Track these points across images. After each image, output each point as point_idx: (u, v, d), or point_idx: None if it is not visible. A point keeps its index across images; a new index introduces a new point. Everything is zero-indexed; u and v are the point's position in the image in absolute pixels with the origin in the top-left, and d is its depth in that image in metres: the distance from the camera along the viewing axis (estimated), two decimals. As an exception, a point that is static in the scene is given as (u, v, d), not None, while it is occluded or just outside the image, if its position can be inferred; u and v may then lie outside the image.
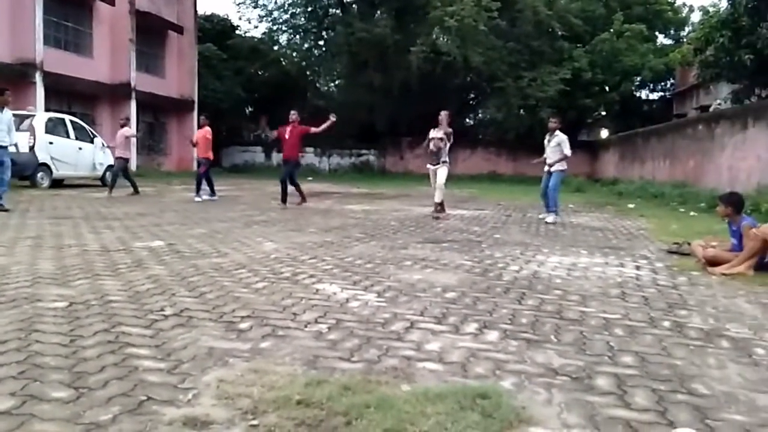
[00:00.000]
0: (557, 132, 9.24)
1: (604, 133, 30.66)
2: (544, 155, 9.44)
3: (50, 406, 2.08)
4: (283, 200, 10.59)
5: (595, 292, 4.14)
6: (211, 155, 12.23)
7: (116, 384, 2.28)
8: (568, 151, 9.13)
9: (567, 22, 26.44)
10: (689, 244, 5.83)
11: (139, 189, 12.87)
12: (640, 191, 15.75)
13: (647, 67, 26.18)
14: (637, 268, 5.19)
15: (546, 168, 9.37)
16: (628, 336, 3.11)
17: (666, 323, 3.38)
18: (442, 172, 9.26)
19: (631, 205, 12.59)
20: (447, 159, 9.33)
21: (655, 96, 32.87)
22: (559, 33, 26.49)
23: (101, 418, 1.99)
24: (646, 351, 2.86)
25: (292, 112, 10.77)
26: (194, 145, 12.32)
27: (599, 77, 26.42)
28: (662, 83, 31.52)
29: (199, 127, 12.51)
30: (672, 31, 31.58)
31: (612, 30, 26.22)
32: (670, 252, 6.01)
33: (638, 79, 28.84)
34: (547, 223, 8.75)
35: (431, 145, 9.25)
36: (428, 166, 9.57)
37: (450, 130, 9.26)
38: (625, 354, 2.81)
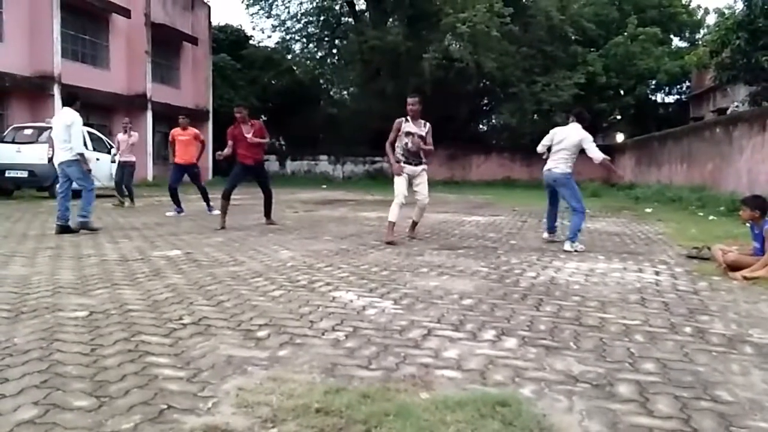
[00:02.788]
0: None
1: (620, 138, 30.40)
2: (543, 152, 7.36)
3: (73, 415, 2.10)
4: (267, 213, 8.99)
5: (614, 298, 4.10)
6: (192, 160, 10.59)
7: (137, 393, 2.30)
8: (596, 152, 6.97)
9: (580, 26, 26.35)
10: (709, 248, 5.76)
11: (156, 200, 13.02)
12: (657, 195, 15.58)
13: (662, 70, 25.96)
14: (657, 273, 5.13)
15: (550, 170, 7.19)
16: (649, 342, 3.07)
17: (687, 329, 3.34)
18: (424, 182, 7.23)
19: (648, 210, 12.46)
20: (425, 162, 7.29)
21: (670, 99, 32.55)
22: (573, 37, 26.37)
23: (123, 427, 2.00)
24: (667, 357, 2.82)
25: (236, 109, 8.67)
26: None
27: (614, 81, 26.25)
28: (678, 86, 31.20)
29: (183, 128, 10.54)
30: (687, 34, 31.29)
31: (626, 33, 26.07)
32: (690, 257, 5.93)
33: (653, 82, 28.59)
34: (569, 251, 6.66)
35: (409, 143, 7.00)
36: (403, 166, 7.08)
37: (429, 126, 7.15)
38: (646, 361, 2.78)
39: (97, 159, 15.15)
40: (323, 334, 3.13)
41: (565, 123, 7.85)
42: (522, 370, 2.62)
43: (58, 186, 7.77)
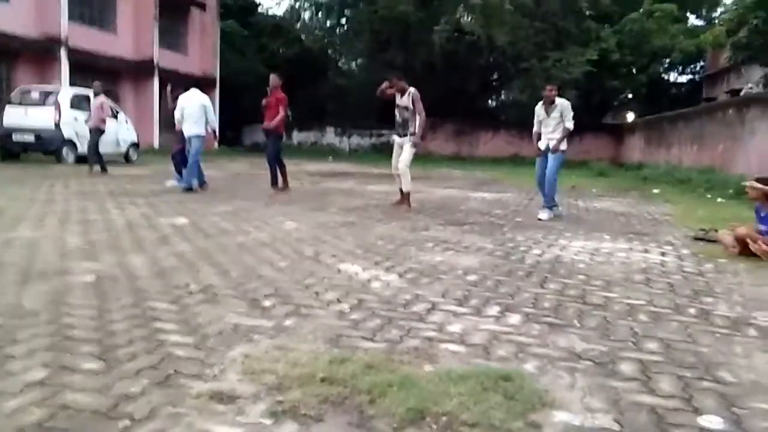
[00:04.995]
0: (557, 100, 7.20)
1: (630, 117, 30.08)
2: (537, 132, 7.46)
3: (81, 377, 2.13)
4: (274, 182, 9.43)
5: (618, 278, 4.10)
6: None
7: (145, 357, 2.33)
8: (570, 124, 7.13)
9: (595, 1, 25.83)
10: (716, 231, 5.73)
11: (163, 168, 12.96)
12: (665, 176, 15.47)
13: (677, 49, 25.51)
14: (662, 254, 5.12)
15: (543, 147, 7.36)
16: (653, 322, 3.08)
17: (692, 310, 3.34)
18: (407, 150, 7.53)
19: (655, 190, 12.39)
20: (416, 133, 7.45)
21: (684, 79, 32.10)
22: (587, 12, 25.89)
23: (131, 390, 2.04)
24: (671, 337, 2.84)
25: (271, 77, 9.21)
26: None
27: (627, 58, 25.82)
28: (692, 65, 30.73)
29: (177, 96, 9.94)
30: (704, 12, 30.68)
31: (642, 10, 25.56)
32: (696, 239, 5.91)
33: (667, 61, 28.14)
34: (539, 219, 7.10)
35: (397, 115, 7.59)
36: (393, 137, 7.87)
37: (417, 95, 7.41)
38: (649, 340, 2.79)
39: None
40: (328, 306, 3.16)
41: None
42: (525, 346, 2.64)
43: (182, 155, 9.27)
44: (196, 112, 8.99)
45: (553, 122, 7.22)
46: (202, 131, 9.07)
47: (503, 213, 7.80)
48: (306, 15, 33.08)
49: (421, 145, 7.78)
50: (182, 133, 10.18)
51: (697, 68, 30.91)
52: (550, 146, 7.25)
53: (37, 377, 2.12)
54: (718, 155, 14.83)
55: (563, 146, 7.27)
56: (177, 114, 9.19)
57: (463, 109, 28.00)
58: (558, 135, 7.20)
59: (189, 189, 8.85)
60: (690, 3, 28.92)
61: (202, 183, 9.33)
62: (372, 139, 30.06)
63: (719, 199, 10.29)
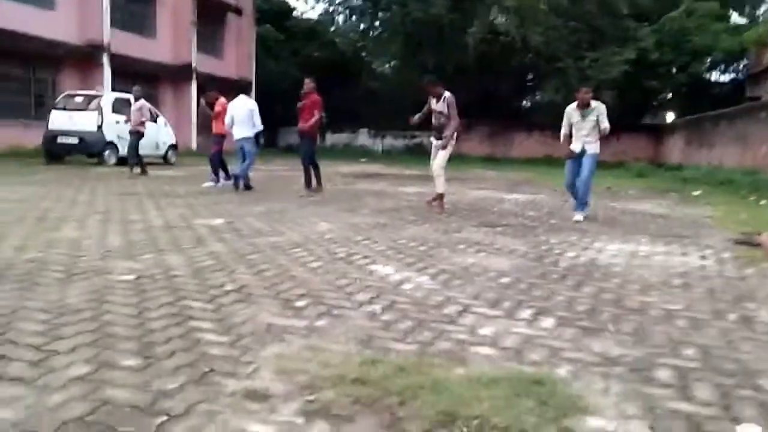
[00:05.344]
0: (592, 103, 7.09)
1: (670, 117, 29.36)
2: (566, 134, 7.29)
3: (121, 374, 2.20)
4: (308, 184, 9.48)
5: (656, 282, 4.01)
6: (226, 132, 10.26)
7: (181, 355, 2.39)
8: (607, 125, 7.01)
9: (633, 0, 25.31)
10: (759, 234, 5.56)
11: (192, 167, 13.23)
12: (706, 178, 15.06)
13: (719, 48, 24.80)
14: (702, 257, 4.99)
15: (577, 149, 7.17)
16: (691, 328, 3.01)
17: (732, 316, 3.25)
18: (441, 153, 7.72)
19: (696, 192, 12.07)
20: (452, 137, 7.63)
21: (726, 78, 31.14)
22: (624, 11, 25.38)
23: (168, 387, 2.09)
24: (709, 344, 2.76)
25: (306, 81, 9.39)
26: (214, 119, 10.38)
27: (667, 57, 25.22)
28: (735, 64, 29.80)
29: (214, 99, 10.60)
30: (747, 9, 29.74)
31: (682, 8, 24.93)
32: (738, 242, 5.73)
33: (709, 60, 27.37)
34: (576, 221, 7.05)
35: (434, 120, 7.75)
36: (431, 139, 8.01)
37: (452, 100, 7.54)
38: (687, 346, 2.72)
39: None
40: (360, 307, 3.18)
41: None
42: (558, 351, 2.61)
43: (240, 155, 9.78)
44: (246, 117, 9.64)
45: (589, 125, 7.09)
46: (251, 134, 9.73)
47: (537, 215, 7.71)
48: (340, 19, 33.37)
49: (453, 146, 7.76)
50: (220, 135, 10.41)
51: (740, 67, 29.94)
52: (586, 149, 7.11)
53: (80, 373, 2.19)
54: (762, 156, 14.36)
55: (597, 148, 7.15)
56: (227, 119, 9.80)
57: (496, 110, 27.79)
58: (594, 137, 7.10)
59: (248, 187, 9.52)
60: (732, 1, 28.10)
61: (237, 182, 9.59)
62: (405, 140, 30.11)
63: (762, 202, 9.96)
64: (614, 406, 2.07)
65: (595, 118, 7.05)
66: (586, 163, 7.11)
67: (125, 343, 2.50)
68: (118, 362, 2.30)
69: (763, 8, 28.54)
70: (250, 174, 9.85)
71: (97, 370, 2.22)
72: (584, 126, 7.11)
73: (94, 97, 14.94)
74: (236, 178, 9.58)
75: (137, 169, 11.77)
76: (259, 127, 9.89)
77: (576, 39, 25.45)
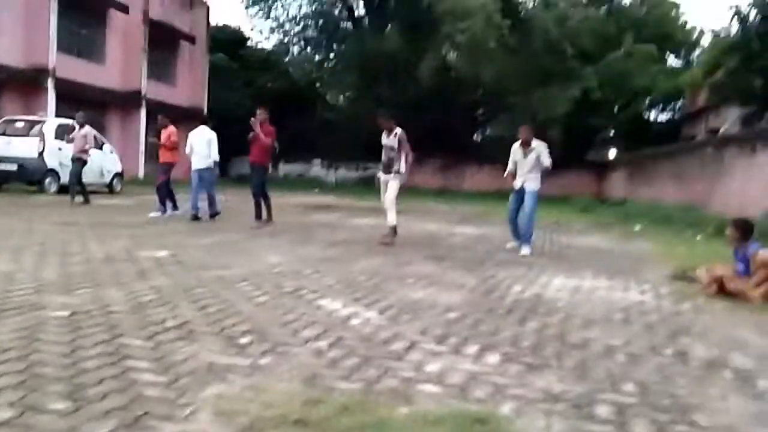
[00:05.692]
0: (533, 142, 7.39)
1: (613, 153, 30.61)
2: (511, 171, 7.62)
3: (49, 418, 2.08)
4: (258, 215, 9.24)
5: (598, 317, 4.12)
6: (174, 159, 10.43)
7: (115, 397, 2.29)
8: (548, 161, 7.29)
9: (577, 41, 26.53)
10: (694, 270, 5.80)
11: (138, 196, 12.90)
12: (647, 213, 15.66)
13: (657, 88, 26.21)
14: (642, 292, 5.16)
15: (518, 185, 7.45)
16: (630, 363, 3.09)
17: (668, 351, 3.36)
18: (392, 186, 7.67)
19: (637, 227, 12.53)
20: (402, 170, 7.65)
21: (664, 117, 32.85)
22: (569, 52, 26.57)
23: (98, 432, 1.99)
24: (647, 379, 2.84)
25: (259, 111, 9.21)
26: (161, 147, 10.37)
27: (609, 97, 26.45)
28: (672, 104, 31.51)
29: (162, 127, 10.56)
30: (683, 53, 31.64)
31: (622, 50, 26.29)
32: (675, 277, 5.97)
33: (648, 99, 28.85)
34: (523, 256, 7.14)
35: (383, 156, 7.77)
36: (378, 175, 8.01)
37: (403, 135, 7.65)
38: (626, 382, 2.79)
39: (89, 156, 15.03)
40: (306, 343, 3.13)
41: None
42: (503, 387, 2.63)
43: (194, 186, 9.73)
44: (204, 147, 9.75)
45: (530, 163, 7.37)
46: (209, 164, 9.84)
47: (486, 248, 7.83)
48: (295, 49, 33.60)
49: (405, 179, 7.81)
50: (167, 164, 10.25)
51: (677, 107, 31.68)
52: (526, 186, 7.38)
53: (3, 417, 2.06)
54: (699, 193, 15.10)
55: (538, 185, 7.40)
56: (187, 149, 9.90)
57: (449, 143, 28.32)
58: (535, 174, 7.37)
59: (195, 217, 9.50)
60: (669, 44, 29.84)
61: (215, 213, 9.80)
62: (358, 171, 30.24)
63: (698, 237, 10.43)
64: (555, 444, 2.09)
65: (535, 157, 7.33)
66: (527, 200, 7.36)
67: (54, 385, 2.37)
68: (46, 405, 2.18)
69: (697, 52, 30.38)
70: (201, 204, 9.65)
71: (21, 414, 2.10)
72: (526, 164, 7.43)
73: (36, 122, 14.43)
74: (194, 208, 9.59)
75: (79, 198, 11.33)
76: (215, 157, 9.92)
77: (524, 76, 26.39)
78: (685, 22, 31.33)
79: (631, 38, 26.50)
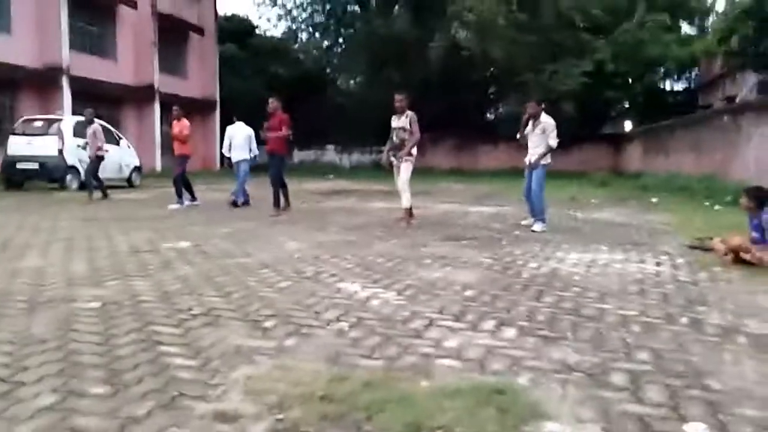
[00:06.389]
0: (541, 117, 7.37)
1: (628, 126, 30.26)
2: (522, 141, 7.69)
3: (89, 402, 2.21)
4: (276, 203, 9.30)
5: (613, 289, 4.17)
6: (189, 152, 10.79)
7: (150, 380, 2.41)
8: (554, 142, 7.27)
9: (588, 13, 26.12)
10: (711, 239, 5.81)
11: (157, 189, 13.10)
12: (665, 185, 15.55)
13: (671, 58, 25.74)
14: (658, 264, 5.19)
15: (528, 162, 7.58)
16: (645, 333, 3.16)
17: (684, 320, 3.41)
18: (405, 169, 7.77)
19: (654, 200, 12.47)
20: (413, 152, 7.77)
21: (679, 87, 32.32)
22: (581, 25, 26.16)
23: (137, 413, 2.12)
24: (662, 347, 2.91)
25: (271, 100, 9.37)
26: (175, 140, 10.67)
27: (622, 69, 26.05)
28: (687, 74, 30.96)
29: (175, 119, 10.75)
30: (696, 21, 30.97)
31: (634, 20, 25.84)
32: (692, 247, 5.98)
33: (662, 70, 28.37)
34: (533, 231, 7.25)
35: (394, 137, 7.80)
36: (391, 159, 7.99)
37: (414, 117, 7.69)
38: (640, 350, 2.86)
39: (107, 151, 15.29)
40: (328, 325, 3.24)
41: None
42: (519, 360, 2.71)
43: (241, 176, 10.49)
44: (243, 141, 10.57)
45: (536, 138, 7.40)
46: (248, 156, 10.63)
47: (502, 227, 7.88)
48: (303, 36, 33.56)
49: (415, 159, 7.89)
50: (183, 156, 10.46)
51: (693, 76, 31.13)
52: (532, 161, 7.43)
53: (47, 402, 2.20)
54: (717, 162, 14.92)
55: (545, 161, 7.41)
56: (226, 142, 10.68)
57: (462, 123, 28.22)
58: (541, 150, 7.35)
59: (235, 204, 10.38)
60: (682, 12, 29.23)
61: (246, 201, 10.50)
62: (372, 155, 30.28)
63: (717, 207, 10.36)
64: (571, 411, 2.17)
65: (541, 132, 7.33)
66: (534, 176, 7.42)
67: (92, 371, 2.51)
68: (86, 390, 2.31)
69: (711, 18, 29.75)
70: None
71: (64, 399, 2.24)
72: (533, 139, 7.47)
73: (54, 120, 14.68)
74: (234, 202, 10.43)
75: (97, 194, 11.54)
76: (255, 151, 10.83)
77: (535, 52, 26.09)
78: (699, -11, 30.62)
79: (643, 8, 26.00)
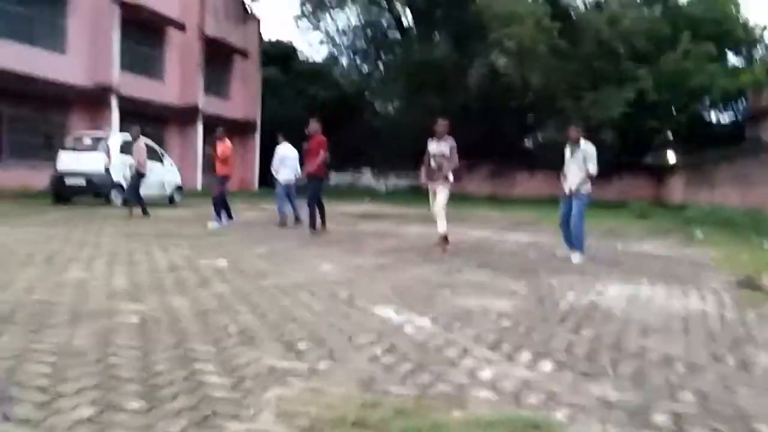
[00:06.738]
0: (581, 142, 7.22)
1: (671, 156, 29.63)
2: (563, 172, 7.43)
3: (126, 416, 2.24)
4: (312, 225, 9.48)
5: (656, 325, 4.04)
6: (229, 172, 11.01)
7: (185, 397, 2.43)
8: (593, 169, 7.09)
9: (630, 42, 25.86)
10: (760, 276, 5.59)
11: (197, 208, 13.36)
12: (709, 217, 15.12)
13: (716, 88, 25.19)
14: (702, 300, 5.02)
15: (566, 190, 7.32)
16: (690, 372, 3.04)
17: (731, 360, 3.28)
18: (442, 193, 7.77)
19: (698, 233, 12.11)
20: (449, 177, 7.76)
21: (726, 119, 31.51)
22: (622, 52, 25.91)
23: (171, 430, 2.13)
24: (707, 389, 2.79)
25: (310, 122, 9.62)
26: (216, 160, 10.90)
27: (665, 98, 25.60)
28: (733, 105, 30.20)
29: (218, 139, 10.98)
30: (744, 51, 30.31)
31: (678, 49, 25.45)
32: (740, 284, 5.76)
33: (707, 100, 27.76)
34: (575, 263, 7.05)
35: (432, 162, 7.80)
36: (427, 182, 7.98)
37: (453, 144, 7.73)
38: (684, 391, 2.75)
39: (151, 169, 15.70)
40: (361, 349, 3.22)
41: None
42: (556, 394, 2.64)
43: (292, 196, 11.19)
44: (294, 162, 11.15)
45: (575, 165, 7.22)
46: (293, 177, 11.17)
47: (538, 256, 7.76)
48: (344, 60, 34.18)
49: (452, 185, 7.85)
50: (223, 177, 10.66)
51: (739, 108, 30.33)
52: (573, 190, 7.22)
53: (85, 415, 2.23)
54: (764, 197, 14.45)
55: (587, 189, 7.20)
56: (275, 162, 11.22)
57: (499, 150, 28.08)
58: (581, 178, 7.15)
59: (297, 220, 10.88)
60: (729, 42, 28.64)
61: (284, 221, 10.80)
62: (409, 179, 30.36)
63: (766, 244, 9.99)
64: (611, 451, 2.10)
65: (581, 158, 7.15)
66: (575, 206, 7.21)
67: (130, 386, 2.54)
68: (123, 405, 2.34)
69: (759, 50, 29.09)
70: (287, 210, 11.07)
71: (102, 412, 2.27)
72: (573, 164, 7.27)
73: (102, 138, 15.21)
74: (297, 217, 10.95)
75: (138, 211, 11.71)
76: (299, 172, 11.22)
77: (575, 79, 25.91)
78: (746, 20, 30.04)
79: (688, 37, 25.61)
